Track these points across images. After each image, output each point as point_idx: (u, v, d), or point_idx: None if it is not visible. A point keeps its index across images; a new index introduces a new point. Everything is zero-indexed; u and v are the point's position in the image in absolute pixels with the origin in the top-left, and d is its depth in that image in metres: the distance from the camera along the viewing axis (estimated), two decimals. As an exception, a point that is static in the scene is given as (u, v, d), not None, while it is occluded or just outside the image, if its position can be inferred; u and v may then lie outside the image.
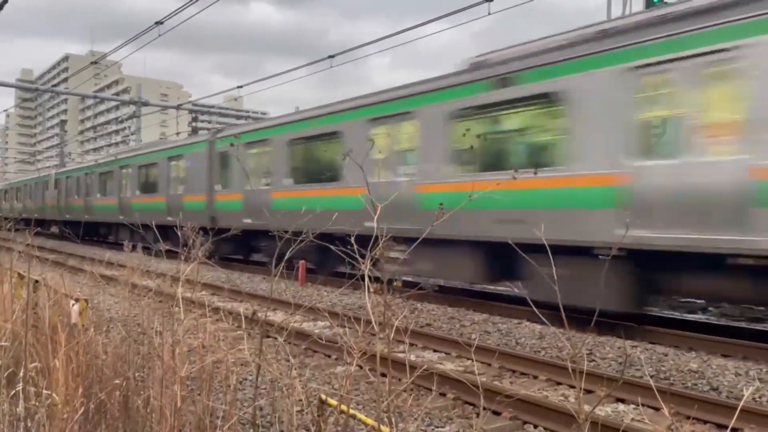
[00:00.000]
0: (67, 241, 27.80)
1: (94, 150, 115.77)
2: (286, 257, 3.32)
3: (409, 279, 12.24)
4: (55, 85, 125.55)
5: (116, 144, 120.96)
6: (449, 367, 6.90)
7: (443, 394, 5.73)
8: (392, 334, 2.54)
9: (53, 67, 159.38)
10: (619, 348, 7.61)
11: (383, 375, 2.66)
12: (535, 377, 6.64)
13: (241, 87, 25.80)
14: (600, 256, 7.98)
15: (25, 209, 40.03)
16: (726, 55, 7.22)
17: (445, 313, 10.31)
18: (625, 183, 7.97)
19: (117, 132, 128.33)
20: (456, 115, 10.47)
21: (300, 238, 3.33)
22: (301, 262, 13.73)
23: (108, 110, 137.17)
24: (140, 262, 6.33)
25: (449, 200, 8.61)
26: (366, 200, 2.84)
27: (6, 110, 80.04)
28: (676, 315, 10.41)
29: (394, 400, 2.62)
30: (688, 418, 5.05)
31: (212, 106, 48.42)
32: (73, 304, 4.96)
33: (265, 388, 4.09)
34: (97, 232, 29.05)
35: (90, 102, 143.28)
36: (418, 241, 3.18)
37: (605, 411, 5.51)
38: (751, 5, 7.10)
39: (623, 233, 7.68)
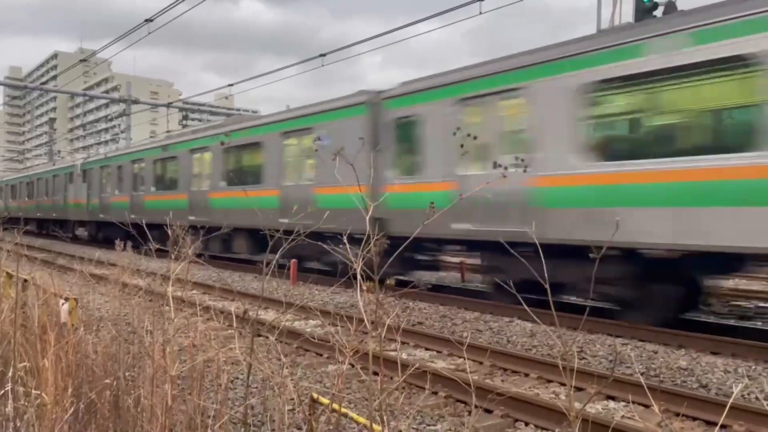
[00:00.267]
0: (56, 240, 26.15)
1: (83, 148, 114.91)
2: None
3: (402, 278, 12.25)
4: (44, 83, 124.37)
5: (105, 143, 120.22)
6: (441, 365, 6.91)
7: (435, 393, 5.75)
8: (384, 333, 2.54)
9: (42, 65, 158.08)
10: (609, 346, 7.66)
11: (375, 373, 2.66)
12: (527, 375, 6.67)
13: (231, 85, 25.90)
14: None
15: (39, 208, 33.79)
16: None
17: (437, 311, 10.34)
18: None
19: (106, 130, 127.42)
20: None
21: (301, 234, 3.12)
22: (293, 260, 13.70)
23: (97, 108, 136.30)
24: (130, 261, 6.30)
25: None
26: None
27: (-6, 108, 79.06)
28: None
29: (386, 398, 2.62)
30: (678, 415, 5.09)
31: (203, 104, 48.26)
32: (62, 304, 4.93)
33: (256, 387, 4.07)
34: (145, 237, 22.77)
35: (79, 100, 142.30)
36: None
37: (596, 408, 5.54)
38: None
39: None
